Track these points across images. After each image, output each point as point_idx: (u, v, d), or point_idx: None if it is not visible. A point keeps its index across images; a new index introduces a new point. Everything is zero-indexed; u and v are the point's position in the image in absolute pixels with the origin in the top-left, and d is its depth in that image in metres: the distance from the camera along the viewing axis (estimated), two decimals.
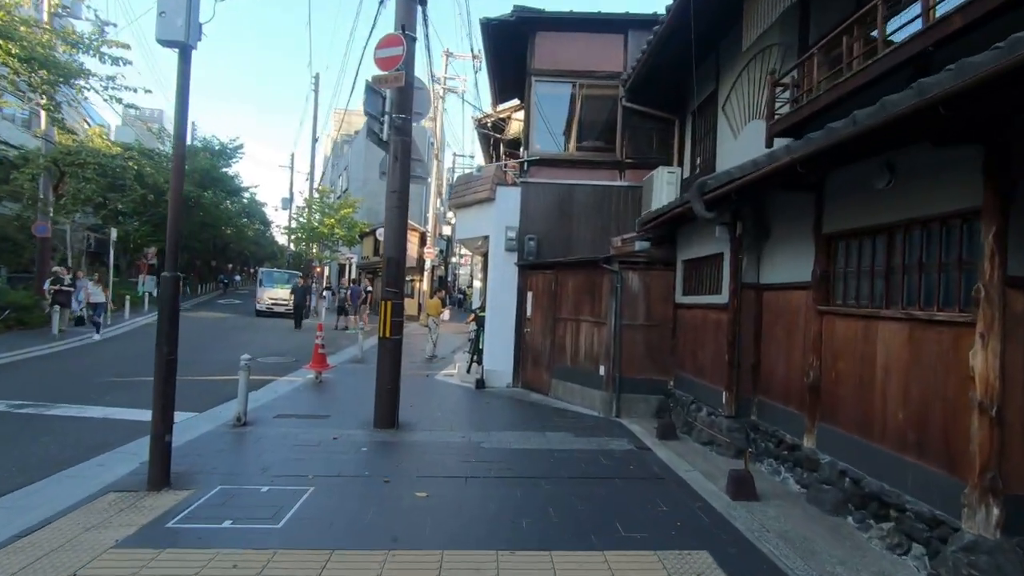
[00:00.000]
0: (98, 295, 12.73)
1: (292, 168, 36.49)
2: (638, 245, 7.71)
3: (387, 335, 6.36)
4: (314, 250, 27.56)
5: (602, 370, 7.68)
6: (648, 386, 7.57)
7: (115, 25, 10.73)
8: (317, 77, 30.23)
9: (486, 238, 10.44)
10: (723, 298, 6.05)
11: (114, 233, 16.25)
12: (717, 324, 6.18)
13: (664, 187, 8.16)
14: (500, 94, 12.99)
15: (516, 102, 13.60)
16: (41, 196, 15.29)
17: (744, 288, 5.76)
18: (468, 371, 10.14)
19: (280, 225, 33.50)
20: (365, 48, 7.54)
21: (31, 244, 16.19)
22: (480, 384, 9.25)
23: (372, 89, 5.93)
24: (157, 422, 4.27)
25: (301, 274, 21.31)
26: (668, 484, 4.82)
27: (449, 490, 4.49)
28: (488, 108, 15.60)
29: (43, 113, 12.73)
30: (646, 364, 7.59)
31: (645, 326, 7.60)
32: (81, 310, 12.81)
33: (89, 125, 17.11)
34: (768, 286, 5.57)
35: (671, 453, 5.74)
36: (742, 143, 6.73)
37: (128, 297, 17.90)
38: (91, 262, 26.79)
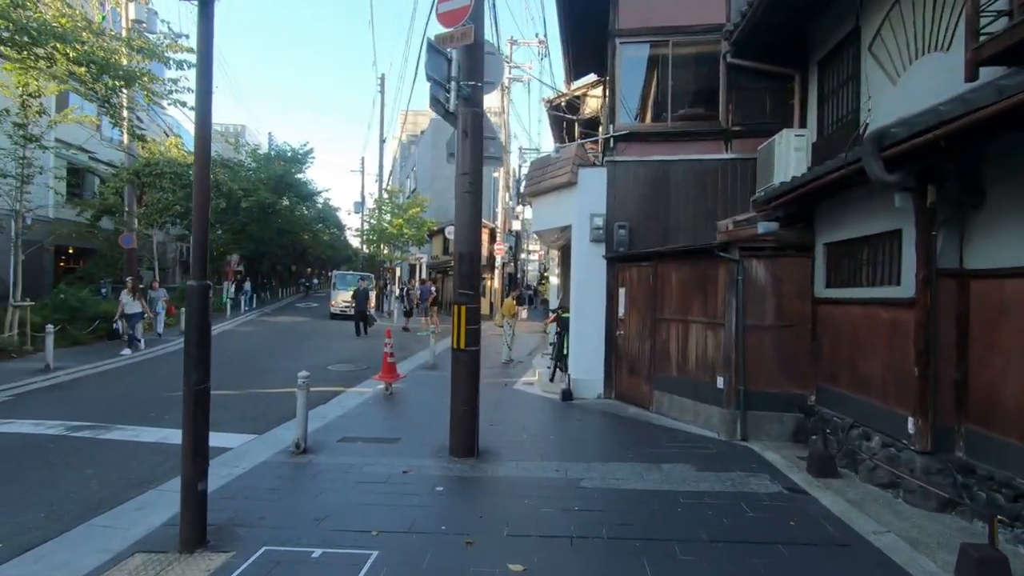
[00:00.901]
0: (132, 306, 11.76)
1: (363, 172, 36.96)
2: (762, 227, 6.22)
3: (462, 346, 5.32)
4: (384, 251, 27.51)
5: (720, 381, 6.28)
6: (781, 401, 6.08)
7: (187, 36, 10.52)
8: (383, 78, 30.22)
9: (566, 228, 9.23)
10: (903, 290, 4.50)
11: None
12: (893, 325, 4.64)
13: (791, 154, 6.61)
14: (575, 69, 11.72)
15: (593, 77, 12.28)
16: (126, 208, 15.76)
17: (940, 276, 4.20)
18: (551, 380, 8.99)
19: (353, 228, 33.84)
20: (423, 42, 6.44)
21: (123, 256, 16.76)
22: (567, 395, 8.07)
23: (435, 49, 4.89)
24: (188, 468, 3.44)
25: (364, 276, 20.66)
26: (859, 556, 3.42)
27: (551, 560, 3.34)
28: (556, 92, 14.36)
29: (124, 126, 12.92)
30: (778, 374, 6.10)
31: (775, 327, 6.11)
32: (115, 322, 11.89)
33: (167, 136, 17.51)
34: (981, 272, 3.99)
35: (839, 500, 4.30)
36: (907, 88, 5.13)
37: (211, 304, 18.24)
38: (184, 271, 28.19)
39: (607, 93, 10.20)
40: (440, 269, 30.70)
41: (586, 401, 8.06)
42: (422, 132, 41.16)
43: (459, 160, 5.42)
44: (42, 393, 7.91)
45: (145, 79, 9.68)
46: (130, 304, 11.68)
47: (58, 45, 7.80)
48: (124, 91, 8.95)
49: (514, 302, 13.57)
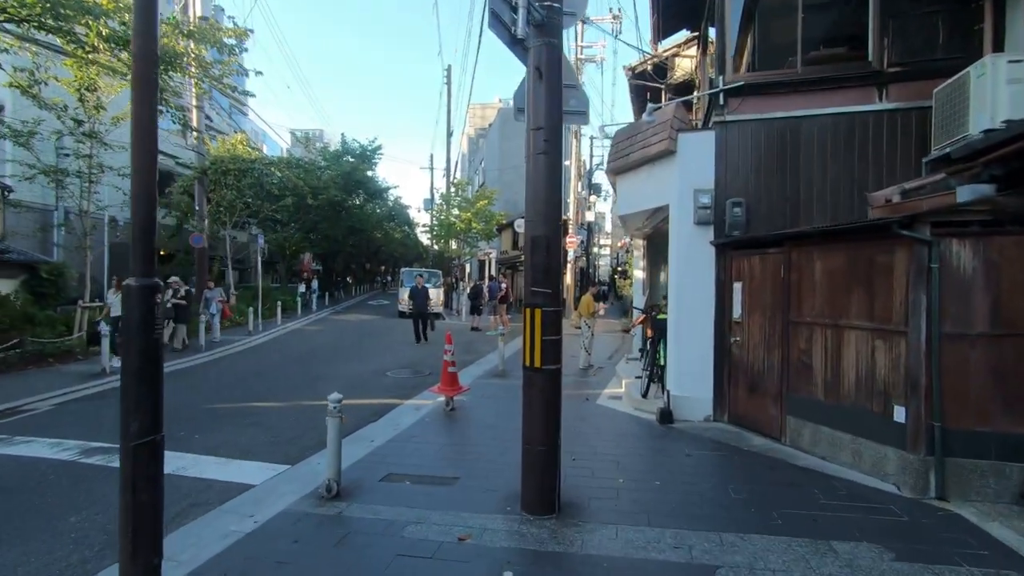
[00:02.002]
0: (118, 307, 9.94)
1: (431, 168, 36.66)
2: (966, 192, 4.33)
3: (537, 364, 3.90)
4: (453, 246, 26.72)
5: (900, 413, 4.46)
6: (1000, 445, 4.19)
7: (252, 31, 9.93)
8: (449, 69, 29.45)
9: (659, 210, 7.58)
10: None
11: (261, 240, 16.27)
12: None
13: (1000, 89, 4.62)
14: (664, 25, 9.96)
15: (685, 35, 10.49)
16: (196, 207, 15.71)
17: None
18: (644, 395, 7.40)
19: (423, 225, 33.46)
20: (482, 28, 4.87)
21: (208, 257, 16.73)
22: (665, 417, 6.48)
23: None
24: (127, 567, 2.27)
25: (424, 272, 19.17)
26: None
27: None
28: (642, 54, 12.57)
29: (192, 120, 12.65)
30: (994, 406, 4.21)
31: (990, 337, 4.22)
32: (98, 323, 9.78)
33: (234, 132, 17.45)
34: None
35: None
36: None
37: (280, 303, 18.05)
38: (264, 271, 28.91)
39: (704, 46, 8.39)
40: (509, 264, 29.56)
41: (691, 424, 6.43)
42: (489, 125, 40.27)
43: (530, 110, 4.00)
44: (84, 402, 7.36)
45: (187, 60, 9.11)
46: (117, 305, 9.59)
47: (90, 22, 7.27)
48: (170, 75, 8.39)
49: (591, 299, 12.03)
